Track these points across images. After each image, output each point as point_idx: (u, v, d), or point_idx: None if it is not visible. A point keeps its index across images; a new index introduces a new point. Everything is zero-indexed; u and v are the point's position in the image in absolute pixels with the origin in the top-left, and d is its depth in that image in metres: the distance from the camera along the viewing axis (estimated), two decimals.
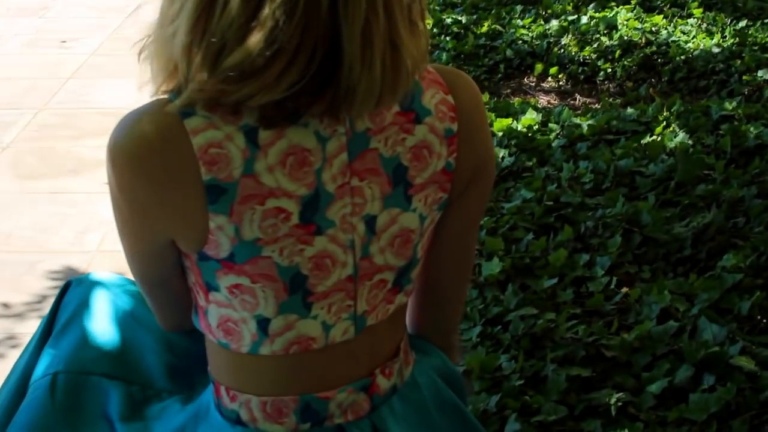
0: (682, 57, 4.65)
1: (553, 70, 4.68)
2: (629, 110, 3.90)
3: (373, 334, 1.22)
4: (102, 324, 1.39)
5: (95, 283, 1.46)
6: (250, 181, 1.05)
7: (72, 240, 3.10)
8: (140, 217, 1.11)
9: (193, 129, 1.04)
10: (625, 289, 2.53)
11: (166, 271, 1.21)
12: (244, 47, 0.96)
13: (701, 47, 4.73)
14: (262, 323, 1.14)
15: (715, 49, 4.71)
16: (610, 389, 2.03)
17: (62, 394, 1.31)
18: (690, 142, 3.48)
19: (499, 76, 4.71)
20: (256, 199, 1.06)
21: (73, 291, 1.46)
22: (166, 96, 1.06)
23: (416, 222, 1.17)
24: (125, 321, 1.40)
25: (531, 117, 3.75)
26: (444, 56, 4.63)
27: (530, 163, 3.33)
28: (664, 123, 3.71)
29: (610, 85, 4.62)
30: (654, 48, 4.80)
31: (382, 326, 1.23)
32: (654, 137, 3.56)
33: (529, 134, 3.60)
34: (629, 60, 4.72)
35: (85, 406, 1.32)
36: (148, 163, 1.05)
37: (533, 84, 4.72)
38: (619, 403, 1.96)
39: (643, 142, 3.49)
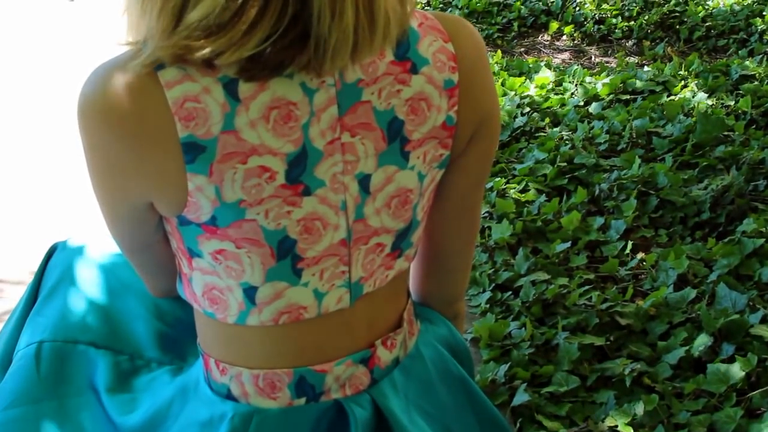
0: (701, 15, 4.52)
1: (568, 28, 4.56)
2: (646, 69, 3.78)
3: (372, 302, 1.14)
4: (89, 290, 1.33)
5: (82, 247, 1.39)
6: (230, 137, 0.97)
7: None
8: (114, 179, 1.03)
9: (167, 81, 0.95)
10: (640, 254, 2.43)
11: (147, 236, 1.13)
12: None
13: (721, 5, 4.60)
14: (249, 291, 1.06)
15: (736, 7, 4.58)
16: (625, 359, 1.94)
17: (48, 363, 1.26)
18: (709, 102, 3.37)
19: (513, 34, 4.60)
20: (237, 158, 0.97)
21: (58, 255, 1.40)
22: (138, 47, 0.97)
23: (414, 181, 1.08)
24: (113, 287, 1.34)
25: (545, 76, 3.63)
26: (456, 14, 4.52)
27: (543, 123, 3.22)
28: (682, 83, 3.59)
29: (627, 44, 4.50)
30: (672, 6, 4.66)
31: (381, 294, 1.15)
32: (672, 97, 3.45)
33: (543, 93, 3.49)
34: (646, 18, 4.59)
35: (71, 376, 1.27)
36: (120, 119, 0.97)
37: (547, 42, 4.61)
38: (634, 374, 1.87)
39: (660, 102, 3.38)
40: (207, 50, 0.91)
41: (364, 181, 1.05)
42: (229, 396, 1.14)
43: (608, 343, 2.02)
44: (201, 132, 0.96)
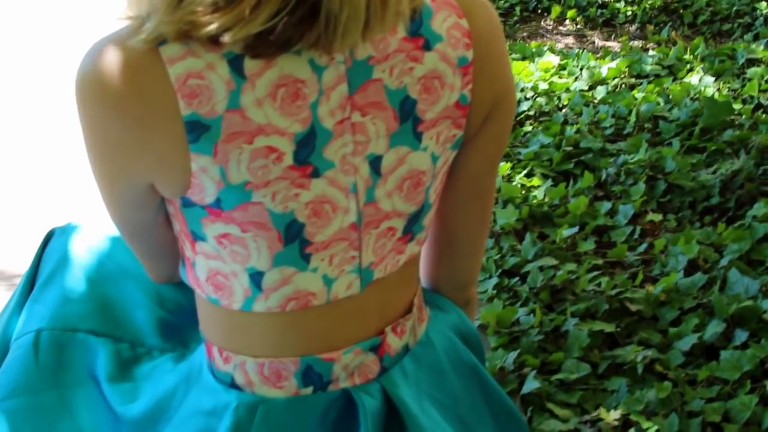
0: None
1: (570, 12, 4.52)
2: (651, 53, 3.73)
3: (382, 288, 1.10)
4: (88, 276, 1.29)
5: (79, 232, 1.35)
6: (235, 116, 0.92)
7: None
8: (114, 159, 0.99)
9: (170, 57, 0.91)
10: (649, 239, 2.39)
11: (148, 219, 1.09)
12: None
13: None
14: (255, 277, 1.02)
15: None
16: (636, 346, 1.90)
17: (46, 352, 1.22)
18: (715, 86, 3.32)
19: (515, 19, 4.56)
20: (243, 137, 0.93)
21: (56, 241, 1.36)
22: (139, 22, 0.93)
23: (427, 162, 1.04)
24: (113, 273, 1.30)
25: (548, 60, 3.59)
26: None
27: (548, 108, 3.18)
28: (688, 66, 3.55)
29: (630, 29, 4.46)
30: None
31: (391, 279, 1.11)
32: (678, 81, 3.41)
33: (547, 78, 3.44)
34: (650, 2, 4.54)
35: (71, 365, 1.23)
36: (120, 97, 0.92)
37: (550, 27, 4.56)
38: (646, 361, 1.83)
39: (665, 86, 3.34)
40: (213, 26, 0.87)
41: (375, 163, 1.01)
42: (233, 385, 1.11)
43: (618, 329, 1.99)
44: (205, 110, 0.92)
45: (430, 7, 1.00)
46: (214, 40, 0.90)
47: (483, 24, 1.04)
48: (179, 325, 1.28)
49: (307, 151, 0.96)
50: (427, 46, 1.00)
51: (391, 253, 1.09)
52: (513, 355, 1.88)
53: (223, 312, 1.08)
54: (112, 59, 0.92)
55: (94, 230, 1.35)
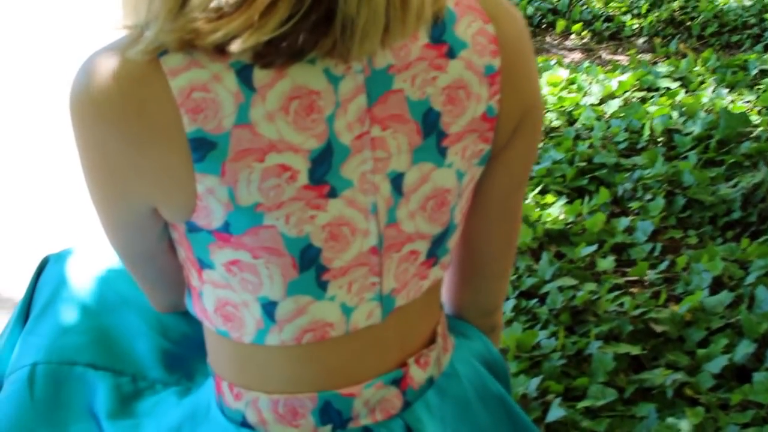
0: (713, 11, 4.41)
1: (576, 27, 4.45)
2: (661, 66, 3.66)
3: (404, 316, 1.02)
4: (85, 306, 1.21)
5: (76, 258, 1.28)
6: (244, 132, 0.84)
7: None
8: (112, 181, 0.90)
9: (171, 68, 0.83)
10: (670, 257, 2.31)
11: (150, 245, 1.00)
12: None
13: (731, 1, 4.48)
14: (268, 307, 0.94)
15: (747, 2, 4.46)
16: (664, 369, 1.81)
17: (42, 387, 1.15)
18: (729, 98, 3.24)
19: None
20: (253, 155, 0.85)
21: (51, 268, 1.29)
22: (138, 32, 0.85)
23: (452, 180, 0.96)
24: (112, 301, 1.23)
25: (557, 74, 3.52)
26: None
27: (558, 123, 3.10)
28: (700, 79, 3.48)
29: (637, 42, 4.39)
30: (682, 2, 4.55)
31: (414, 307, 1.03)
32: (690, 94, 3.33)
33: (556, 92, 3.37)
34: (657, 15, 4.48)
35: (69, 402, 1.16)
36: (119, 112, 0.84)
37: (556, 42, 4.50)
38: (675, 385, 1.74)
39: (678, 98, 3.26)
40: (219, 34, 0.79)
41: (396, 181, 0.92)
42: (244, 423, 1.03)
43: (645, 351, 1.89)
44: (211, 126, 0.84)
45: (453, 11, 0.92)
46: (219, 50, 0.82)
47: (510, 30, 0.97)
48: (184, 357, 1.21)
49: (324, 169, 0.88)
50: (452, 54, 0.92)
51: (414, 278, 1.00)
52: (536, 381, 1.79)
53: (233, 345, 1.00)
54: (109, 72, 0.84)
55: (92, 256, 1.28)
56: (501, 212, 1.09)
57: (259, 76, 0.84)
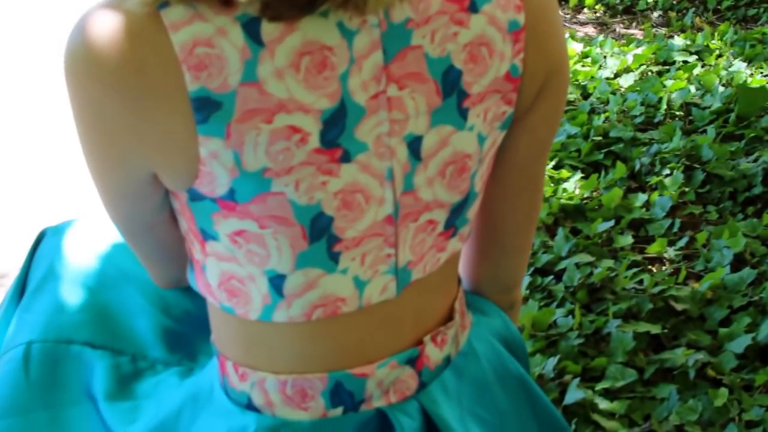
0: None
1: (589, 1, 4.35)
2: (678, 39, 3.57)
3: (420, 291, 0.96)
4: (83, 281, 1.16)
5: (74, 232, 1.22)
6: (251, 90, 0.78)
7: None
8: (110, 145, 0.84)
9: (173, 22, 0.76)
10: (689, 233, 2.24)
11: (151, 215, 0.94)
12: None
13: None
14: (276, 281, 0.88)
15: None
16: (685, 348, 1.74)
17: (38, 367, 1.10)
18: (748, 71, 3.16)
19: None
20: (261, 116, 0.78)
21: (48, 242, 1.23)
22: None
23: (473, 144, 0.89)
24: (111, 277, 1.17)
25: (571, 48, 3.43)
26: None
27: (573, 96, 3.02)
28: (716, 52, 3.39)
29: (652, 16, 4.30)
30: None
31: (431, 281, 0.96)
32: (707, 67, 3.25)
33: (570, 66, 3.29)
34: None
35: (65, 382, 1.11)
36: (116, 70, 0.78)
37: (569, 16, 4.41)
38: (698, 365, 1.68)
39: (695, 72, 3.18)
40: None
41: (414, 144, 0.86)
42: (249, 406, 0.97)
43: (665, 331, 1.83)
44: (215, 84, 0.77)
45: None
46: (224, 1, 0.76)
47: None
48: (186, 335, 1.15)
49: (336, 131, 0.81)
50: (474, 8, 0.85)
51: (432, 250, 0.94)
52: (553, 361, 1.72)
53: (238, 322, 0.94)
54: (105, 27, 0.78)
55: (90, 229, 1.23)
56: (523, 180, 1.03)
57: (268, 29, 0.77)
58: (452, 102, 0.86)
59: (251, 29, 0.77)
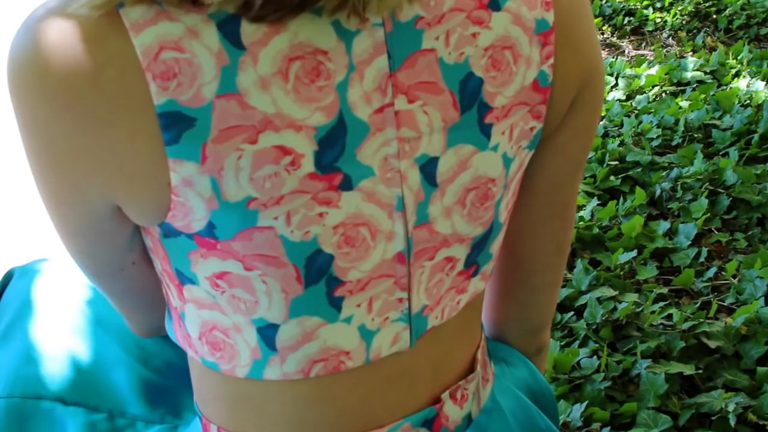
0: (740, 3, 4.21)
1: (596, 21, 4.23)
2: (691, 59, 3.45)
3: (438, 340, 0.82)
4: (54, 329, 1.04)
5: (45, 273, 1.12)
6: (231, 103, 0.64)
7: None
8: (62, 172, 0.70)
9: (134, 22, 0.63)
10: (717, 263, 2.09)
11: (118, 255, 0.80)
12: None
13: None
14: (266, 332, 0.74)
15: None
16: (722, 391, 1.59)
17: (3, 425, 1.00)
18: (766, 91, 3.03)
19: None
20: (243, 134, 0.65)
21: (15, 284, 1.13)
22: None
23: (498, 166, 0.75)
24: (85, 325, 1.06)
25: None
26: None
27: None
28: (732, 71, 3.27)
29: (661, 36, 4.19)
30: None
31: (450, 328, 0.83)
32: (723, 87, 3.12)
33: None
34: (680, 8, 4.28)
35: None
36: (66, 83, 0.65)
37: None
38: (738, 409, 1.52)
39: (711, 92, 3.05)
40: None
41: (428, 168, 0.72)
42: None
43: (699, 371, 1.68)
44: (187, 96, 0.64)
45: None
46: None
47: None
48: (169, 389, 1.04)
49: (335, 152, 0.68)
50: (495, 5, 0.71)
51: (450, 292, 0.80)
52: (579, 407, 1.57)
53: (223, 380, 0.80)
54: (55, 32, 0.64)
55: (62, 270, 1.12)
56: (553, 207, 0.89)
57: (249, 30, 0.64)
58: (472, 117, 0.72)
59: (229, 30, 0.63)
